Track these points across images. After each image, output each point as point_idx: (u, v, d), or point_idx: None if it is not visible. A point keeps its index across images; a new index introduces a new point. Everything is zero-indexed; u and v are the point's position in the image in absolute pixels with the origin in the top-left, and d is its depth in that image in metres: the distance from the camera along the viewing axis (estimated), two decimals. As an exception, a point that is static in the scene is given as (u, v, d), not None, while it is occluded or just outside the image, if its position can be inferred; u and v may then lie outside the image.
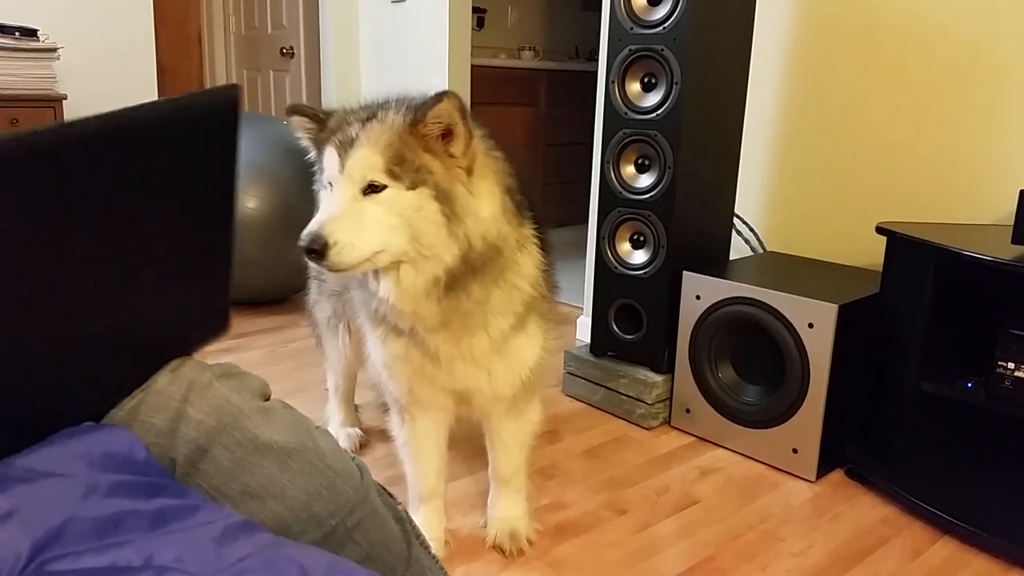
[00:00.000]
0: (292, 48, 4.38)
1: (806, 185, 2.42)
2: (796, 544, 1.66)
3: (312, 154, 1.31)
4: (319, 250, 1.10)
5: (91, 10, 3.15)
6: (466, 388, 1.43)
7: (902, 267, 1.80)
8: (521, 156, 4.28)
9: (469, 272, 1.22)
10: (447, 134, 1.18)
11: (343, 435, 2.00)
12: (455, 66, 3.56)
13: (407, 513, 0.87)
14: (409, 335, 1.35)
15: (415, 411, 1.50)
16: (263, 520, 0.70)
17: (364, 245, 1.13)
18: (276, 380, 2.48)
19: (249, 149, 2.90)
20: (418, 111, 1.17)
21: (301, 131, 1.30)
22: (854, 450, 1.93)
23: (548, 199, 4.42)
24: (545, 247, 1.42)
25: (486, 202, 1.23)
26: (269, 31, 4.63)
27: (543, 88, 4.35)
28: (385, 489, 0.86)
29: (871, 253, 2.17)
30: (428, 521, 1.57)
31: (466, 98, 3.63)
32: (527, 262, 1.35)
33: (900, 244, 1.79)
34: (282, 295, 3.08)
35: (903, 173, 2.19)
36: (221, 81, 5.26)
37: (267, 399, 0.81)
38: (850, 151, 2.30)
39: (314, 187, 1.36)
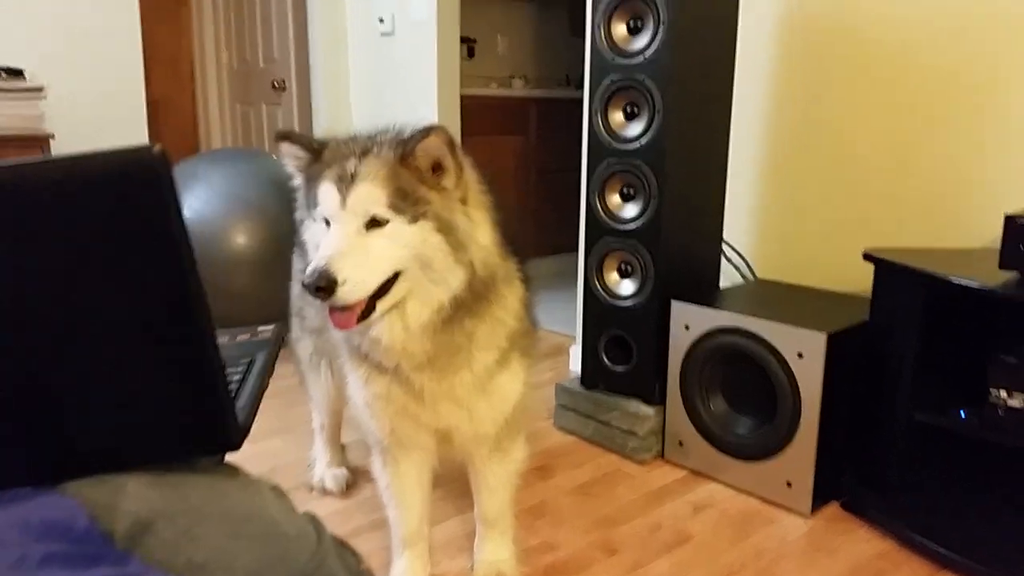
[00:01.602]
0: (283, 81, 4.39)
1: (796, 211, 2.41)
2: (791, 581, 1.63)
3: (296, 182, 1.29)
4: (327, 287, 1.09)
5: (79, 48, 3.16)
6: (448, 427, 1.40)
7: (890, 294, 1.77)
8: (512, 184, 4.28)
9: (471, 300, 1.22)
10: (437, 168, 1.19)
11: (329, 476, 1.96)
12: (444, 97, 3.56)
13: (370, 572, 0.84)
14: (392, 373, 1.32)
15: (397, 452, 1.47)
16: None
17: (371, 280, 1.13)
18: (263, 419, 2.42)
19: (239, 184, 2.89)
20: (406, 145, 1.17)
21: (290, 159, 1.28)
22: (849, 482, 1.89)
23: (540, 227, 4.39)
24: (526, 281, 1.40)
25: (482, 229, 1.24)
26: (261, 65, 4.64)
27: (533, 116, 4.35)
28: (347, 546, 0.83)
29: (864, 279, 2.15)
30: (412, 567, 1.54)
31: (456, 128, 3.63)
32: (511, 296, 1.35)
33: (887, 271, 1.77)
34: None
35: (891, 197, 2.17)
36: (215, 116, 5.27)
37: (220, 462, 0.78)
38: (838, 176, 2.28)
39: (296, 215, 1.33)
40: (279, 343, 0.92)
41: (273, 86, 4.48)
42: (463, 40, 4.53)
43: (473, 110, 3.90)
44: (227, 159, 3.01)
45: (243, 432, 0.72)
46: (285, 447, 2.23)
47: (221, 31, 5.05)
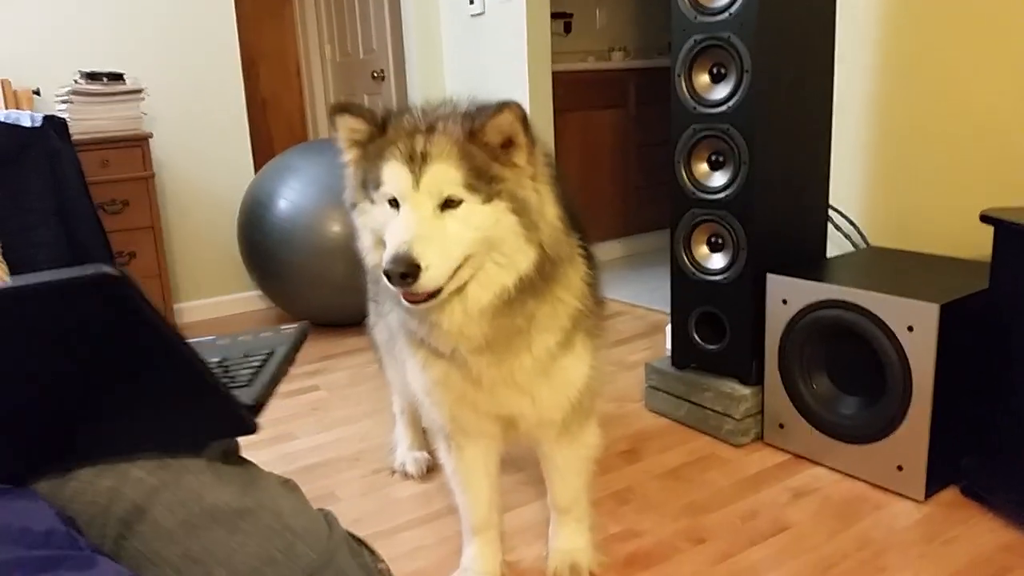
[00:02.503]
0: (382, 71, 4.45)
1: (911, 171, 2.20)
2: (900, 575, 1.48)
3: (345, 158, 1.22)
4: (410, 272, 1.05)
5: (177, 50, 3.28)
6: (510, 413, 1.35)
7: (1013, 259, 1.57)
8: (610, 159, 4.16)
9: (538, 281, 1.17)
10: (507, 144, 1.13)
11: (410, 459, 1.95)
12: (536, 74, 3.49)
13: (388, 572, 0.80)
14: (449, 358, 1.28)
15: (461, 439, 1.43)
16: None
17: (449, 265, 1.09)
18: (358, 401, 2.48)
19: (332, 174, 2.93)
20: (475, 120, 1.12)
21: (347, 133, 1.20)
22: (969, 465, 1.71)
23: (640, 201, 4.26)
24: (590, 259, 1.32)
25: (550, 206, 1.18)
26: (361, 56, 4.72)
27: (632, 88, 4.20)
28: (365, 544, 0.79)
29: (987, 243, 1.94)
30: (482, 554, 1.50)
31: (549, 105, 3.56)
32: (573, 274, 1.27)
33: (1008, 233, 1.57)
34: (366, 316, 3.10)
35: (1015, 154, 1.94)
36: (321, 109, 5.41)
37: (232, 453, 0.76)
38: (957, 131, 2.06)
39: (345, 197, 1.27)
40: (302, 339, 0.91)
41: (373, 76, 4.54)
42: (559, 16, 4.43)
43: (568, 85, 3.81)
44: (319, 150, 3.06)
45: (253, 418, 0.71)
46: (375, 429, 2.25)
47: (323, 26, 5.17)
